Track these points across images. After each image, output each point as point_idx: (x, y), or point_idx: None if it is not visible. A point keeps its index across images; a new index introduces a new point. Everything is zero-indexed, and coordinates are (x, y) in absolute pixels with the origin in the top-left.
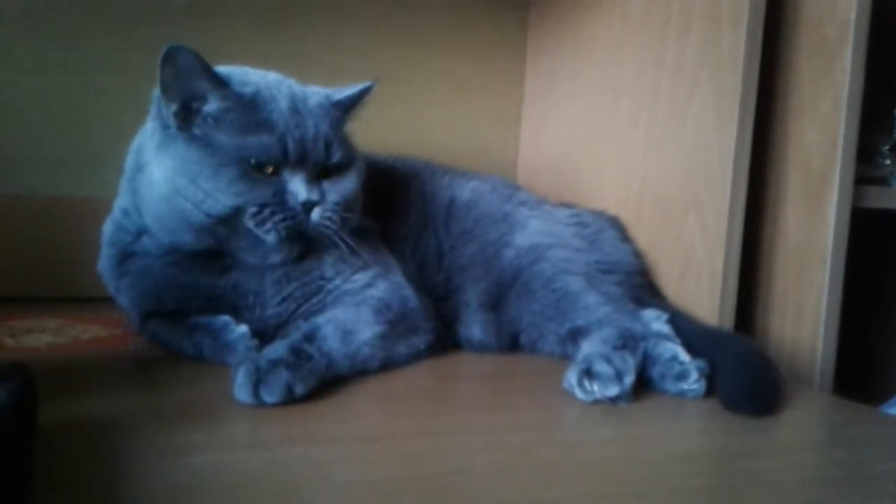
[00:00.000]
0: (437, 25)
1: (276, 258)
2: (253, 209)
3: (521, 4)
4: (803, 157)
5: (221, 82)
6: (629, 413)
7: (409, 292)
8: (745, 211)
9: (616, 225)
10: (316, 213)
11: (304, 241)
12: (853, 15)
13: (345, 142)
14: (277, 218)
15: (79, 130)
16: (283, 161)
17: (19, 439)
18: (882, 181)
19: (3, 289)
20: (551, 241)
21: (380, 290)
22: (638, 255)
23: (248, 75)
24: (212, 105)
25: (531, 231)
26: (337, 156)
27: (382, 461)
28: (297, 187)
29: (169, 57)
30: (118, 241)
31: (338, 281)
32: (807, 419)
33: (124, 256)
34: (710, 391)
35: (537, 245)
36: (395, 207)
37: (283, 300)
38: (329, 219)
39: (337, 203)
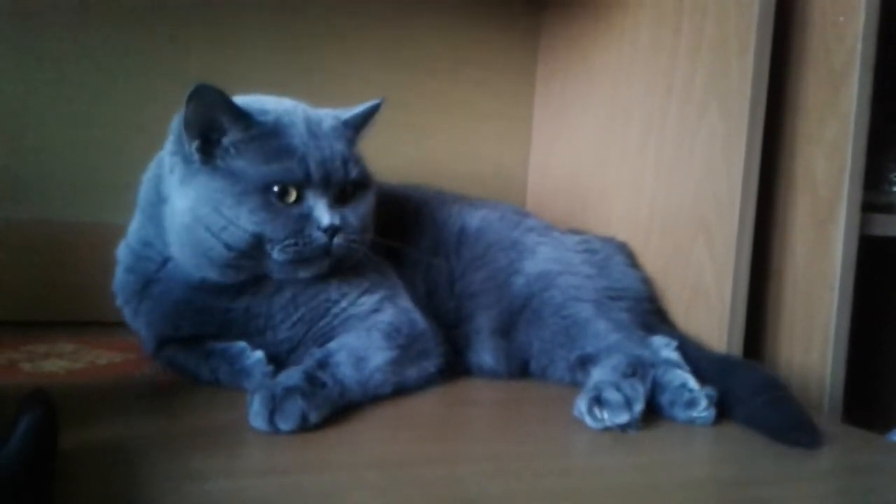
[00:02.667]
0: (446, 52)
1: (307, 273)
2: (275, 241)
3: (531, 31)
4: (811, 184)
5: (242, 114)
6: (639, 441)
7: (416, 315)
8: (753, 237)
9: (624, 251)
10: (339, 238)
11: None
12: (860, 43)
13: (360, 160)
14: (301, 248)
15: (94, 157)
16: (305, 183)
17: (41, 467)
18: (890, 208)
19: (20, 313)
20: (561, 268)
21: (388, 314)
22: (646, 281)
23: (264, 104)
24: (233, 136)
25: (540, 258)
26: (354, 172)
27: (396, 489)
28: (321, 213)
29: (195, 95)
30: (140, 270)
31: (343, 304)
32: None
33: (146, 283)
34: (719, 418)
35: (547, 272)
36: (406, 233)
37: (293, 325)
38: (353, 241)
39: (357, 227)
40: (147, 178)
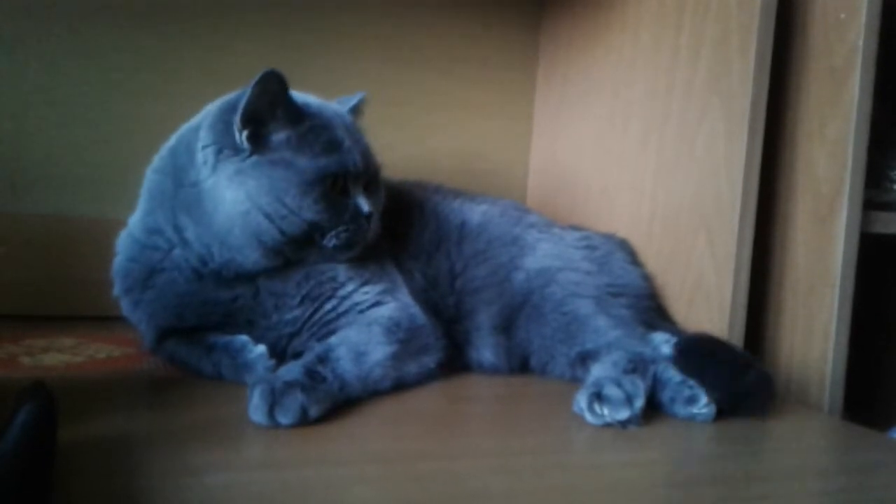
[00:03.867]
0: (448, 49)
1: (344, 258)
2: (328, 230)
3: (532, 28)
4: (812, 182)
5: (297, 107)
6: (639, 437)
7: (416, 310)
8: (754, 235)
9: (625, 248)
10: (373, 222)
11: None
12: (861, 40)
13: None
14: (351, 236)
15: (95, 152)
16: (351, 175)
17: (41, 459)
18: (891, 206)
19: (20, 307)
20: (561, 264)
21: (389, 308)
22: (647, 278)
23: (305, 99)
24: (286, 128)
25: (541, 254)
26: (378, 164)
27: (396, 483)
28: (362, 202)
29: (263, 80)
30: (144, 259)
31: (350, 287)
32: (816, 444)
33: (150, 273)
34: (720, 415)
35: (547, 268)
36: (406, 228)
37: (302, 301)
38: (376, 225)
39: (379, 215)
40: (155, 169)
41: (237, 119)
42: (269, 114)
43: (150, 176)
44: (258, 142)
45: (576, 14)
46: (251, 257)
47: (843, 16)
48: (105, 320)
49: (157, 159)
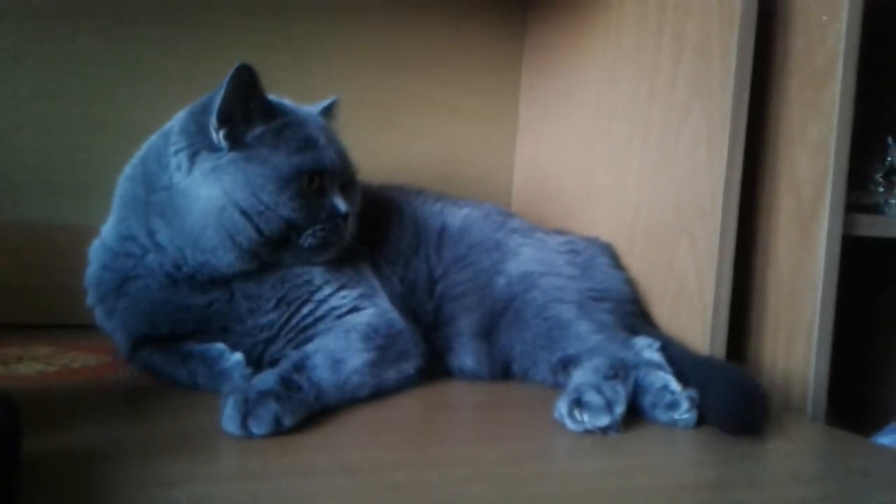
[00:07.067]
0: (432, 54)
1: (320, 259)
2: (304, 229)
3: (516, 32)
4: (794, 185)
5: (270, 104)
6: (620, 443)
7: (394, 315)
8: (736, 238)
9: (608, 252)
10: (350, 223)
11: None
12: (842, 43)
13: None
14: (328, 235)
15: (74, 158)
16: (327, 173)
17: (3, 472)
18: (874, 208)
19: None
20: (544, 269)
21: (367, 314)
22: (630, 282)
23: (278, 99)
24: (261, 125)
25: (523, 259)
26: (353, 164)
27: (370, 494)
28: (338, 202)
29: (237, 75)
30: (117, 267)
31: (326, 290)
32: (799, 449)
33: (124, 280)
34: (701, 421)
35: (530, 273)
36: (386, 233)
37: (277, 304)
38: (353, 226)
39: (356, 216)
40: (126, 177)
41: (213, 119)
42: (243, 108)
43: (122, 184)
44: (234, 139)
45: (559, 18)
46: (225, 259)
47: (824, 18)
48: (85, 328)
49: (129, 167)
